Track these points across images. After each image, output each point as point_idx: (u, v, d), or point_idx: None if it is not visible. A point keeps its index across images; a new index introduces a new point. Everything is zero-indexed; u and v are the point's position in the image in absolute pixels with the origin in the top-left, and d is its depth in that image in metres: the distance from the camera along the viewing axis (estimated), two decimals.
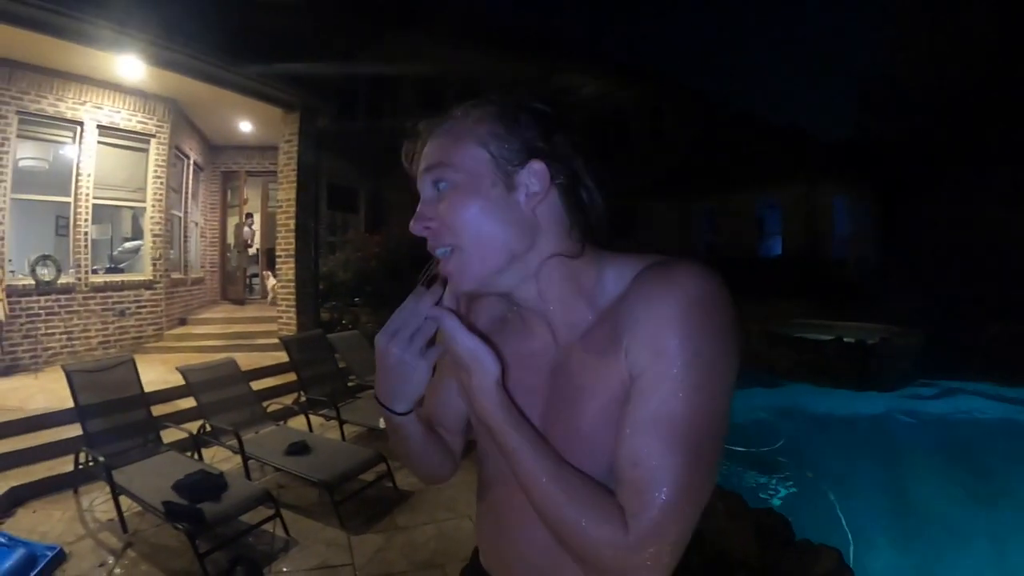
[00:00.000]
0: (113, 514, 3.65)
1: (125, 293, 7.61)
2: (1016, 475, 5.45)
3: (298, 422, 5.49)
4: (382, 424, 0.96)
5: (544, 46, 16.61)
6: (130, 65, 6.51)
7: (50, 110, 6.70)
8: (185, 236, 9.70)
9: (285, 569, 3.30)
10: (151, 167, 7.97)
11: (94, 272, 7.37)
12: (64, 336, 6.85)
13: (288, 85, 7.99)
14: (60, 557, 3.26)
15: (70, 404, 4.10)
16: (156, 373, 5.79)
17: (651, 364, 0.73)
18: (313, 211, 8.84)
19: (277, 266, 8.73)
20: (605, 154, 16.13)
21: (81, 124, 7.02)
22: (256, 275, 12.07)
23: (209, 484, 3.49)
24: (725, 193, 16.20)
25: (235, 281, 11.52)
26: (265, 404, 5.24)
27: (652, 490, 0.70)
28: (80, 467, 4.05)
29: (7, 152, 6.31)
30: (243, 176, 11.43)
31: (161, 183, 8.08)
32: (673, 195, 17.17)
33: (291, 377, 6.10)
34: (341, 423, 5.21)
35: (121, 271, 8.07)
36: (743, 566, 3.06)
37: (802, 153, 15.27)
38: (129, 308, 7.63)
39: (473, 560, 1.07)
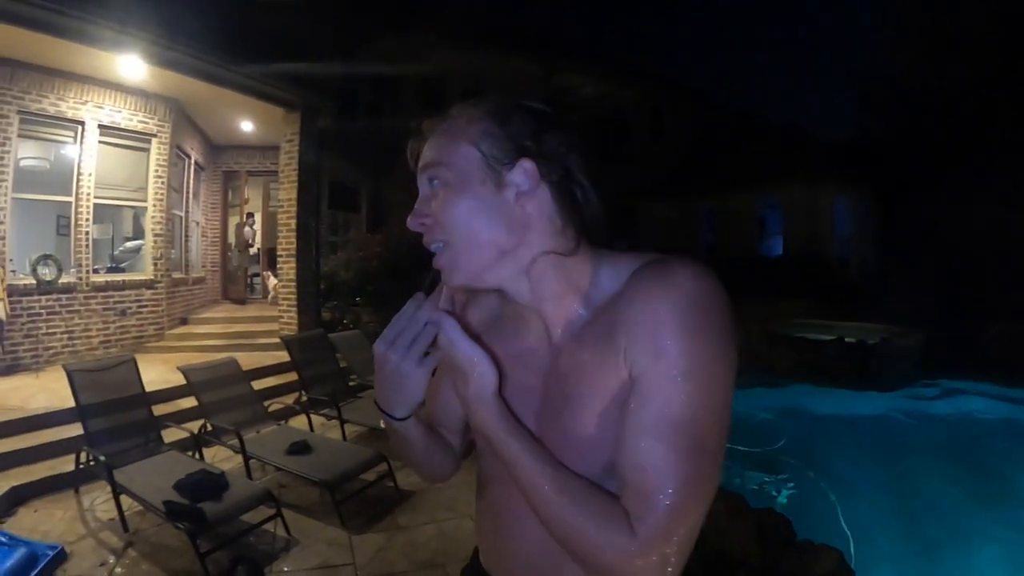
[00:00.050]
0: (114, 513, 3.65)
1: (126, 292, 7.62)
2: (1017, 475, 5.45)
3: (299, 422, 5.49)
4: (383, 424, 0.96)
5: (544, 46, 16.61)
6: (131, 65, 6.52)
7: (51, 110, 6.71)
8: (186, 236, 9.71)
9: (286, 568, 3.31)
10: (152, 167, 7.97)
11: (95, 272, 7.38)
12: (65, 335, 6.85)
13: (289, 85, 7.99)
14: (61, 556, 3.26)
15: (71, 403, 4.11)
16: (157, 373, 5.79)
17: (651, 365, 0.73)
18: (314, 211, 8.85)
19: (278, 266, 8.73)
20: (605, 154, 16.14)
21: (82, 124, 7.02)
22: (257, 275, 12.08)
23: (210, 483, 3.49)
24: (725, 193, 16.18)
25: (236, 281, 11.53)
26: (266, 404, 5.25)
27: (657, 493, 0.70)
28: (81, 466, 4.05)
29: (8, 152, 6.32)
30: (244, 176, 11.43)
31: (162, 183, 8.09)
32: (674, 195, 17.16)
33: (292, 377, 6.10)
34: (342, 423, 5.21)
35: (122, 271, 8.08)
36: (744, 566, 3.07)
37: (803, 153, 15.26)
38: (130, 308, 7.64)
39: (473, 560, 1.07)
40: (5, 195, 6.30)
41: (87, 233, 7.13)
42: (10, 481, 4.08)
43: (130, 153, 7.81)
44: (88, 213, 7.13)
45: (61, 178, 7.07)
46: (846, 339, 9.63)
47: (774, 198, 15.92)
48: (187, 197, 9.62)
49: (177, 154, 8.70)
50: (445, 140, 0.85)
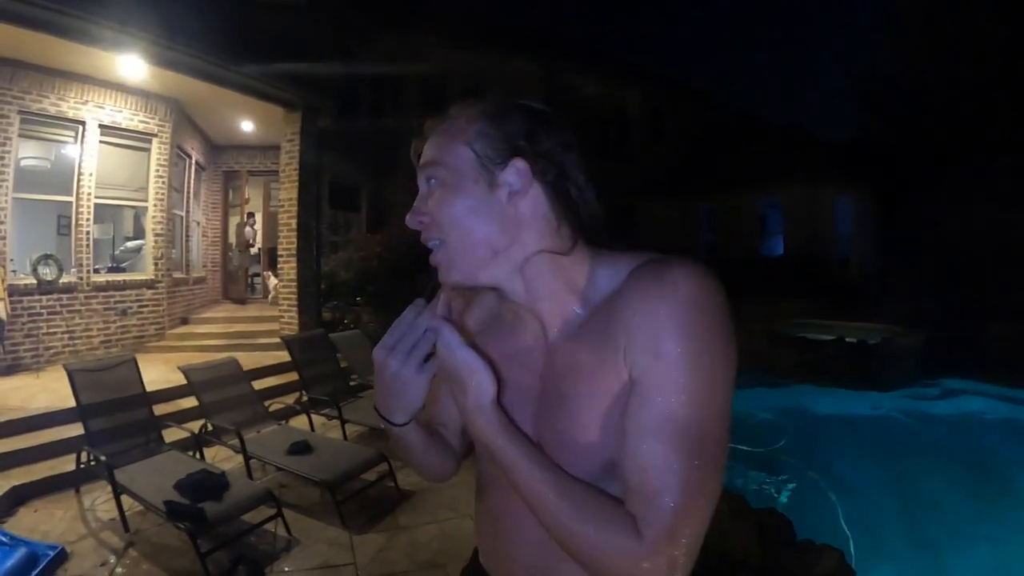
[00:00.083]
0: (115, 513, 3.66)
1: (127, 292, 7.62)
2: (1017, 475, 5.45)
3: (300, 421, 5.49)
4: (383, 427, 0.96)
5: (545, 46, 16.63)
6: (132, 65, 6.51)
7: (52, 110, 6.71)
8: (187, 235, 9.71)
9: (287, 569, 3.31)
10: (153, 166, 7.98)
11: (96, 271, 7.38)
12: (66, 335, 6.86)
13: (289, 84, 7.99)
14: (62, 556, 3.26)
15: (72, 403, 4.11)
16: (158, 372, 5.79)
17: (651, 367, 0.73)
18: (315, 210, 8.85)
19: (279, 265, 8.73)
20: (605, 154, 16.13)
21: (83, 124, 7.03)
22: (258, 274, 12.08)
23: (211, 483, 3.49)
24: (726, 193, 16.18)
25: (237, 280, 11.53)
26: (267, 403, 5.26)
27: (663, 495, 0.70)
28: (82, 466, 4.05)
29: (9, 152, 6.32)
30: (245, 175, 11.43)
31: (163, 182, 8.09)
32: (674, 195, 17.17)
33: (293, 376, 6.11)
34: (343, 422, 5.21)
35: (123, 270, 8.08)
36: (744, 566, 3.07)
37: (803, 153, 15.26)
38: (131, 307, 7.64)
39: (473, 560, 1.07)
40: (6, 195, 6.30)
41: (88, 233, 7.14)
42: (11, 481, 4.08)
43: (131, 153, 7.81)
44: (89, 213, 7.13)
45: (62, 178, 7.07)
46: (847, 339, 9.64)
47: (775, 198, 15.92)
48: (188, 197, 9.63)
49: (178, 154, 8.70)
50: (442, 140, 0.86)
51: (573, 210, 0.84)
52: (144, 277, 7.96)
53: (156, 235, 8.07)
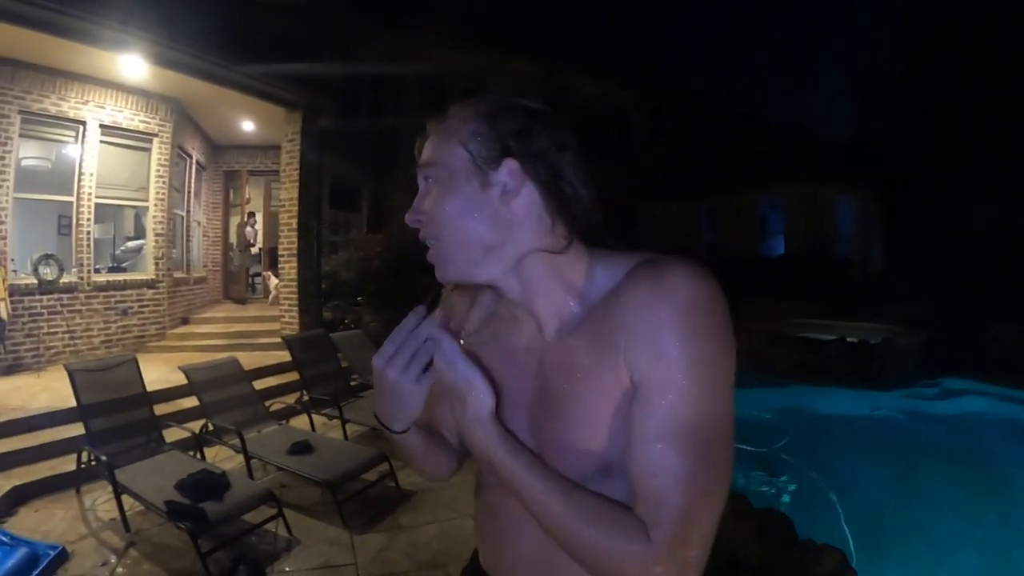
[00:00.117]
0: (115, 513, 3.66)
1: (127, 292, 7.62)
2: (1017, 475, 5.45)
3: (300, 421, 5.50)
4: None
5: (545, 46, 16.62)
6: (132, 64, 6.52)
7: (52, 109, 6.71)
8: (187, 235, 9.72)
9: (288, 568, 3.31)
10: (153, 166, 7.98)
11: (96, 271, 7.39)
12: (66, 335, 6.86)
13: (290, 84, 7.99)
14: (62, 556, 3.26)
15: (72, 403, 4.12)
16: (158, 372, 5.79)
17: (654, 370, 0.73)
18: (315, 210, 8.85)
19: (280, 265, 8.74)
20: (605, 154, 16.13)
21: (83, 123, 7.03)
22: (259, 274, 12.08)
23: (211, 483, 3.49)
24: (726, 193, 16.17)
25: (237, 280, 11.54)
26: (267, 403, 5.26)
27: (672, 498, 0.70)
28: (82, 466, 4.05)
29: (10, 151, 6.32)
30: (245, 175, 11.44)
31: (163, 182, 8.10)
32: (674, 195, 17.16)
33: (293, 376, 6.11)
34: (343, 422, 5.21)
35: (123, 270, 8.09)
36: (745, 566, 3.07)
37: (803, 153, 15.25)
38: (131, 307, 7.64)
39: (473, 560, 1.07)
40: (7, 195, 6.30)
41: (88, 233, 7.14)
42: (11, 481, 4.08)
43: (131, 153, 7.81)
44: (89, 213, 7.13)
45: (62, 178, 7.08)
46: (847, 339, 9.64)
47: (775, 198, 15.91)
48: (188, 197, 9.63)
49: (178, 154, 8.70)
50: (439, 140, 0.87)
51: (568, 209, 0.84)
52: (145, 277, 7.96)
53: (157, 235, 8.07)
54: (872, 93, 17.74)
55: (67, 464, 4.20)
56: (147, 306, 7.86)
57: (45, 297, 6.67)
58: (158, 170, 8.02)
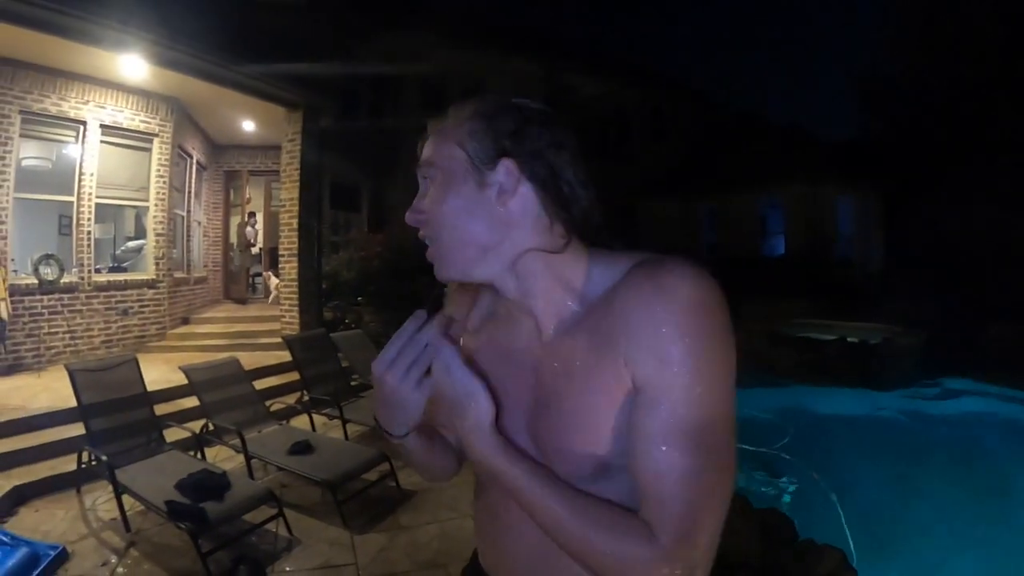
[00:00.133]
0: (116, 513, 3.66)
1: (128, 292, 7.63)
2: (1017, 475, 5.45)
3: (301, 421, 5.50)
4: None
5: (546, 46, 16.62)
6: (133, 64, 6.52)
7: (53, 109, 6.71)
8: (188, 235, 9.72)
9: (288, 568, 3.31)
10: (154, 166, 7.98)
11: (97, 271, 7.39)
12: (67, 335, 6.86)
13: (291, 84, 7.99)
14: (63, 556, 3.27)
15: (73, 403, 4.11)
16: (159, 372, 5.79)
17: (657, 373, 0.73)
18: (316, 210, 8.85)
19: (280, 265, 8.74)
20: (605, 154, 16.13)
21: (84, 123, 7.03)
22: (259, 274, 12.08)
23: (212, 483, 3.50)
24: (726, 193, 16.17)
25: (238, 280, 11.53)
26: (268, 403, 5.25)
27: (678, 500, 0.71)
28: (83, 466, 4.05)
29: (10, 151, 6.33)
30: (246, 175, 11.44)
31: (164, 182, 8.10)
32: (674, 195, 17.16)
33: (294, 376, 6.11)
34: (344, 422, 5.21)
35: (124, 270, 8.09)
36: (746, 566, 3.07)
37: (804, 153, 15.24)
38: (132, 307, 7.64)
39: (473, 560, 1.07)
40: (7, 195, 6.31)
41: (89, 233, 7.14)
42: (12, 481, 4.09)
43: (132, 153, 7.82)
44: (90, 213, 7.14)
45: (63, 178, 7.08)
46: (847, 339, 9.64)
47: (775, 198, 15.91)
48: (189, 197, 9.64)
49: (179, 154, 8.71)
50: (438, 140, 0.88)
51: (566, 209, 0.84)
52: (145, 277, 7.96)
53: (157, 235, 8.07)
54: (872, 93, 17.75)
55: (67, 464, 4.20)
56: (147, 306, 7.87)
57: (46, 297, 6.68)
58: (158, 170, 8.02)
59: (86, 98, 7.01)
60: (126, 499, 3.62)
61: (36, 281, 6.58)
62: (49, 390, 5.50)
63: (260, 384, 5.65)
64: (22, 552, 3.12)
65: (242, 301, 11.13)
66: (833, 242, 15.17)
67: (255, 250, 12.00)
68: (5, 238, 6.28)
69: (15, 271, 6.51)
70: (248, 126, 9.62)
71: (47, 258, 6.69)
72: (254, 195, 11.84)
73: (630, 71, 18.66)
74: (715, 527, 0.73)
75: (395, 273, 9.21)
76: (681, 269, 0.76)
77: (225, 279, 11.55)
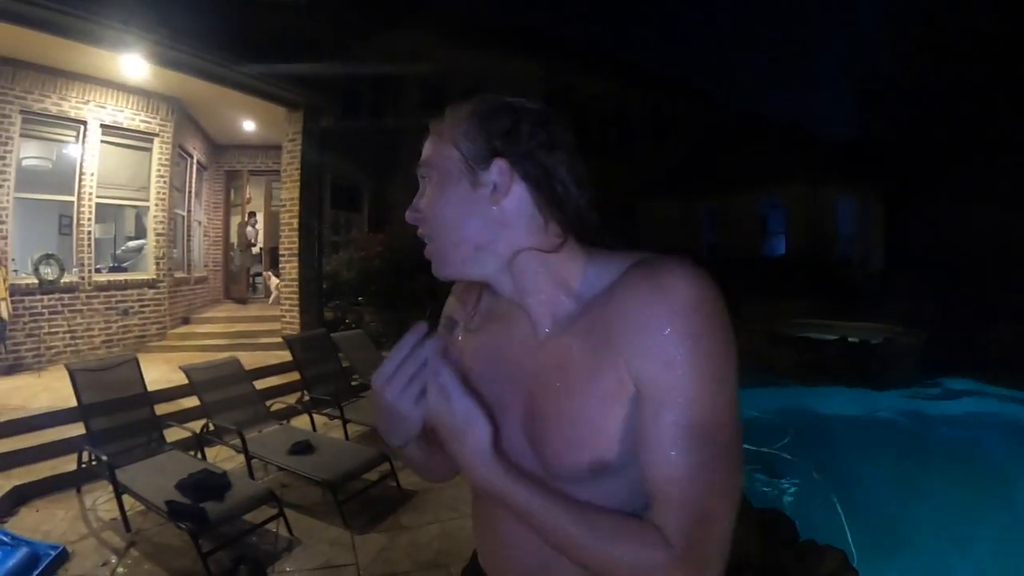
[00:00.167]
0: (116, 513, 3.66)
1: (128, 292, 7.62)
2: (1018, 475, 5.45)
3: (301, 421, 5.49)
4: None
5: (544, 46, 16.63)
6: (133, 64, 6.51)
7: (53, 109, 6.71)
8: (188, 235, 9.71)
9: (288, 569, 3.31)
10: (154, 166, 7.98)
11: (97, 271, 7.39)
12: (67, 335, 6.86)
13: (291, 84, 7.99)
14: (63, 556, 3.26)
15: (73, 403, 4.11)
16: (159, 372, 5.79)
17: (661, 376, 0.73)
18: (316, 210, 8.85)
19: (280, 265, 8.74)
20: (606, 154, 16.12)
21: (84, 123, 7.03)
22: (259, 274, 12.08)
23: (212, 483, 3.49)
24: (727, 193, 16.18)
25: (238, 280, 11.53)
26: (268, 403, 5.25)
27: (689, 501, 0.71)
28: (83, 466, 4.04)
29: (11, 151, 6.32)
30: (246, 175, 11.44)
31: (164, 182, 8.09)
32: (674, 195, 17.17)
33: (294, 376, 6.10)
34: (344, 422, 5.20)
35: (124, 270, 8.08)
36: (747, 566, 3.07)
37: (804, 153, 15.25)
38: (132, 307, 7.64)
39: (473, 560, 1.08)
40: (7, 195, 6.30)
41: (89, 232, 7.14)
42: (12, 481, 4.08)
43: (132, 153, 7.81)
44: (90, 212, 7.13)
45: (63, 178, 7.08)
46: (848, 339, 9.64)
47: (775, 198, 15.91)
48: (189, 196, 9.63)
49: (179, 153, 8.70)
50: (435, 139, 0.89)
51: (560, 209, 0.84)
52: (146, 277, 7.96)
53: (158, 235, 8.07)
54: (872, 93, 17.77)
55: (68, 464, 4.19)
56: (148, 306, 7.86)
57: (46, 297, 6.67)
58: (159, 170, 8.02)
59: (86, 98, 7.00)
60: (126, 499, 3.62)
61: (36, 281, 6.57)
62: (49, 390, 5.49)
63: (260, 384, 5.64)
64: (22, 552, 3.11)
65: (243, 301, 11.12)
66: (833, 242, 15.18)
67: (255, 250, 11.99)
68: (5, 238, 6.27)
69: (15, 271, 6.51)
70: (249, 126, 9.62)
71: (47, 258, 6.68)
72: (255, 195, 11.84)
73: (630, 71, 18.68)
74: (728, 526, 0.74)
75: (396, 273, 9.23)
76: (680, 269, 0.76)
77: (226, 279, 11.55)
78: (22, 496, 4.02)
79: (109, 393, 4.21)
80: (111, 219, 8.32)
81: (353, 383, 6.14)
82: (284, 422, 5.14)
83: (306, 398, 5.68)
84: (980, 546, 4.44)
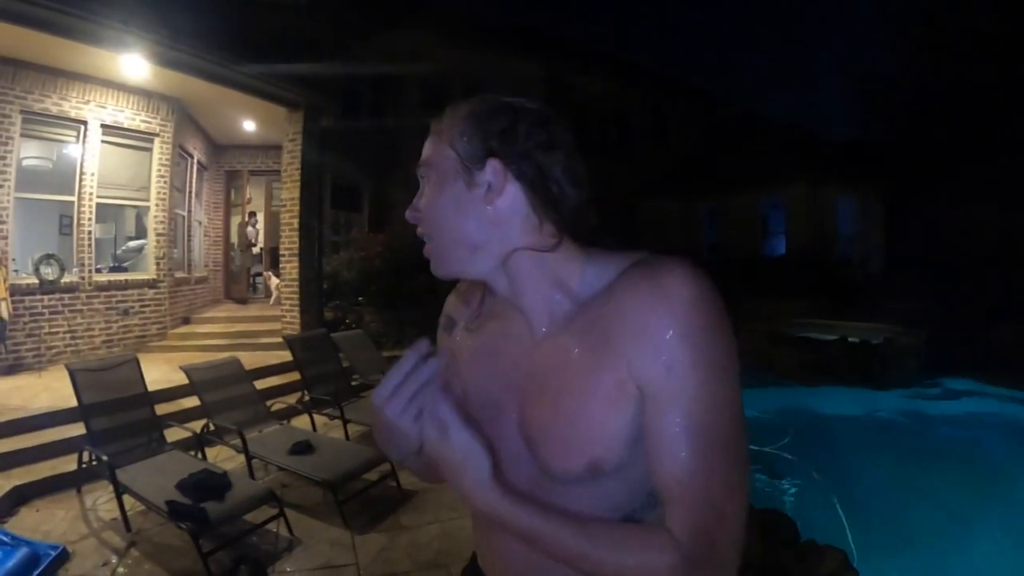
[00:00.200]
0: (116, 513, 3.66)
1: (129, 292, 7.63)
2: (1018, 475, 5.45)
3: (302, 421, 5.49)
4: None
5: (546, 45, 16.62)
6: (134, 64, 6.52)
7: (54, 109, 6.71)
8: (189, 235, 9.72)
9: (289, 569, 3.31)
10: (155, 166, 7.98)
11: (98, 271, 7.39)
12: (68, 335, 6.86)
13: (292, 84, 7.99)
14: (63, 556, 3.26)
15: (74, 403, 4.11)
16: (160, 372, 5.79)
17: (663, 377, 0.73)
18: (317, 210, 8.85)
19: (281, 265, 8.74)
20: (606, 154, 16.11)
21: (85, 123, 7.03)
22: (260, 274, 12.08)
23: (213, 483, 3.49)
24: (727, 193, 16.16)
25: (239, 280, 11.53)
26: (269, 403, 5.25)
27: (698, 503, 0.72)
28: (83, 466, 4.04)
29: (11, 151, 6.33)
30: (246, 175, 11.44)
31: (165, 182, 8.10)
32: (674, 195, 17.16)
33: (295, 376, 6.10)
34: (345, 422, 5.20)
35: (125, 270, 8.09)
36: (747, 567, 3.06)
37: (805, 153, 15.23)
38: (133, 307, 7.64)
39: (473, 561, 1.08)
40: (8, 195, 6.31)
41: (90, 232, 7.14)
42: (12, 481, 4.08)
43: (133, 153, 7.82)
44: (91, 212, 7.14)
45: (64, 178, 7.08)
46: (848, 339, 9.64)
47: (776, 198, 15.90)
48: (190, 196, 9.64)
49: (180, 153, 8.71)
50: (433, 139, 0.89)
51: (555, 209, 0.84)
52: (146, 277, 7.96)
53: (158, 235, 8.07)
54: (872, 93, 17.76)
55: (68, 464, 4.20)
56: (148, 306, 7.87)
57: (46, 297, 6.68)
58: (159, 170, 8.02)
59: (87, 98, 7.01)
60: (127, 499, 3.62)
61: (37, 281, 6.58)
62: (50, 390, 5.49)
63: (261, 384, 5.65)
64: (22, 552, 3.11)
65: (243, 301, 11.12)
66: (834, 242, 15.16)
67: (256, 250, 12.00)
68: (6, 238, 6.28)
69: (16, 271, 6.51)
70: (249, 126, 9.62)
71: (48, 258, 6.69)
72: (255, 195, 11.84)
73: (630, 71, 18.66)
74: (739, 524, 0.74)
75: (396, 273, 9.23)
76: (679, 269, 0.76)
77: (226, 279, 11.55)
78: (22, 496, 4.02)
79: (109, 393, 4.21)
80: (111, 219, 8.32)
81: (353, 383, 6.14)
82: (284, 422, 5.14)
83: (306, 398, 5.68)
84: (980, 546, 4.43)
